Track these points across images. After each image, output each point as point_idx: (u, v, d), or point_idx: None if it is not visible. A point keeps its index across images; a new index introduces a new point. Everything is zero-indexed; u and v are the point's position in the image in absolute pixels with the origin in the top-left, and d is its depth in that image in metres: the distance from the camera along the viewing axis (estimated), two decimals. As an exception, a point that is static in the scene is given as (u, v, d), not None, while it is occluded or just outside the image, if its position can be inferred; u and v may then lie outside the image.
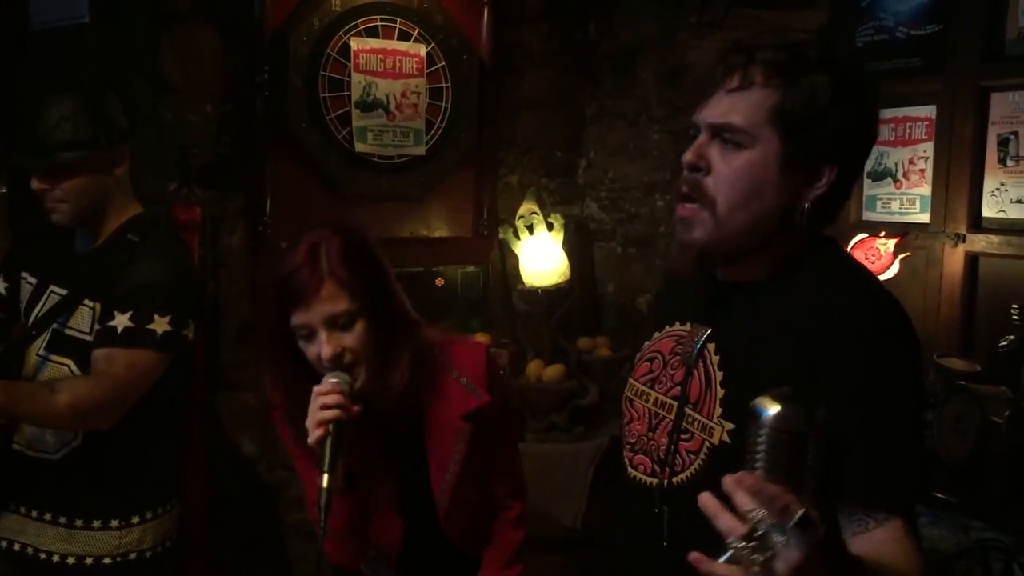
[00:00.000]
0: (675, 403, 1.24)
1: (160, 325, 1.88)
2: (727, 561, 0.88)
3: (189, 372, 2.11)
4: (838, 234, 2.92)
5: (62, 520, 1.94)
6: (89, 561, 1.93)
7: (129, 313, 1.87)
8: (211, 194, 2.85)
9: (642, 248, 3.42)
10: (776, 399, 0.92)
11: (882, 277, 2.70)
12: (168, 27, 2.76)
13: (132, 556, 1.96)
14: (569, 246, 3.27)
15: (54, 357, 1.94)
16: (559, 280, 3.12)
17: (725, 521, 0.88)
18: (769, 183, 1.14)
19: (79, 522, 1.93)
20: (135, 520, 1.97)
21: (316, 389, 1.47)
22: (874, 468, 1.08)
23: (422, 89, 3.07)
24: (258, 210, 2.88)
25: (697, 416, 1.20)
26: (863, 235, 2.79)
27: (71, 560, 1.93)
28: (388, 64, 3.02)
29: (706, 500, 0.91)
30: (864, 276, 1.21)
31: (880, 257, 2.72)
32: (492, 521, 1.79)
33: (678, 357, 1.26)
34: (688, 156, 1.18)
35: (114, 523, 1.95)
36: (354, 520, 1.58)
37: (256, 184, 2.88)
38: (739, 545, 0.86)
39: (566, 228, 3.27)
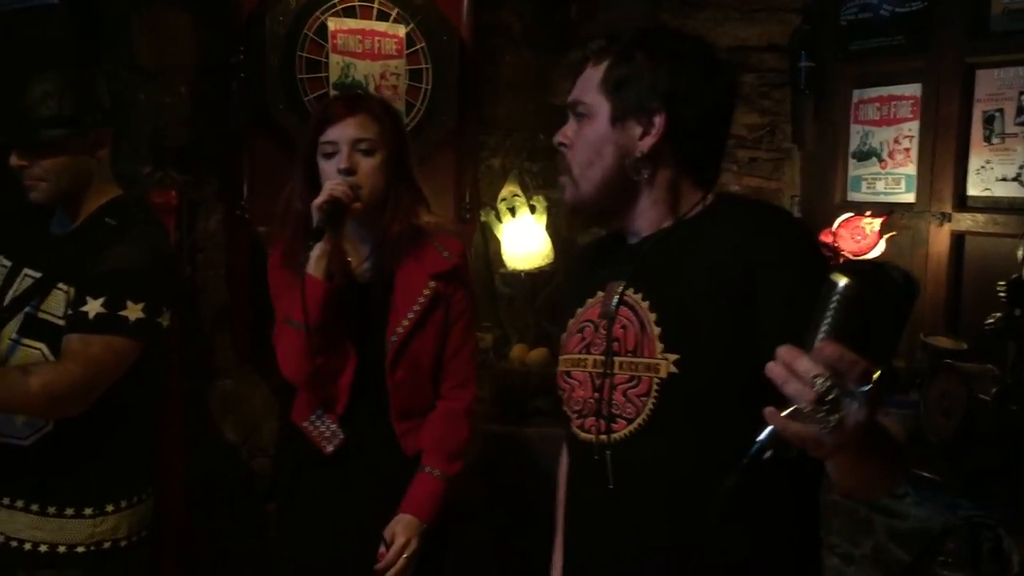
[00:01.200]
0: (613, 358, 1.30)
1: (133, 312, 1.84)
2: (790, 416, 0.94)
3: (163, 359, 2.07)
4: (822, 214, 2.98)
5: (34, 507, 1.89)
6: (62, 549, 1.88)
7: (102, 299, 1.82)
8: (187, 177, 2.81)
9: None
10: (846, 271, 0.97)
11: (867, 256, 2.69)
12: (140, 7, 2.71)
13: (106, 545, 1.92)
14: (554, 230, 3.24)
15: (26, 341, 1.89)
16: (542, 263, 3.10)
17: (793, 386, 0.93)
18: (606, 140, 1.32)
19: (51, 509, 1.89)
20: (109, 508, 1.93)
21: (327, 183, 1.80)
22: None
23: (401, 70, 3.02)
24: (235, 193, 2.83)
25: (639, 359, 1.26)
26: (848, 215, 2.77)
27: (43, 548, 1.88)
28: (366, 45, 2.97)
29: (772, 366, 0.95)
30: (767, 204, 1.45)
31: (865, 237, 2.70)
32: (436, 409, 1.94)
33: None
34: (556, 137, 1.39)
35: (87, 511, 1.90)
36: (324, 307, 1.79)
37: (233, 167, 2.83)
38: (809, 408, 0.92)
39: (550, 212, 3.24)
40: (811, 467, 1.15)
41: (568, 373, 1.39)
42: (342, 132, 1.83)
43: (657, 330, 1.25)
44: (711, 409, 1.22)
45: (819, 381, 0.91)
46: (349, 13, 2.94)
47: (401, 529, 1.85)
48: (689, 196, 1.34)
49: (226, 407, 2.94)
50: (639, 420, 1.25)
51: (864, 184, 2.95)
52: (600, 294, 1.38)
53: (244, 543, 2.91)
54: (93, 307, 1.81)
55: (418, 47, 3.05)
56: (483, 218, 3.22)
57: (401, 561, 1.84)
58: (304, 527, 1.98)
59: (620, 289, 1.32)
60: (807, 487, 1.29)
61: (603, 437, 1.29)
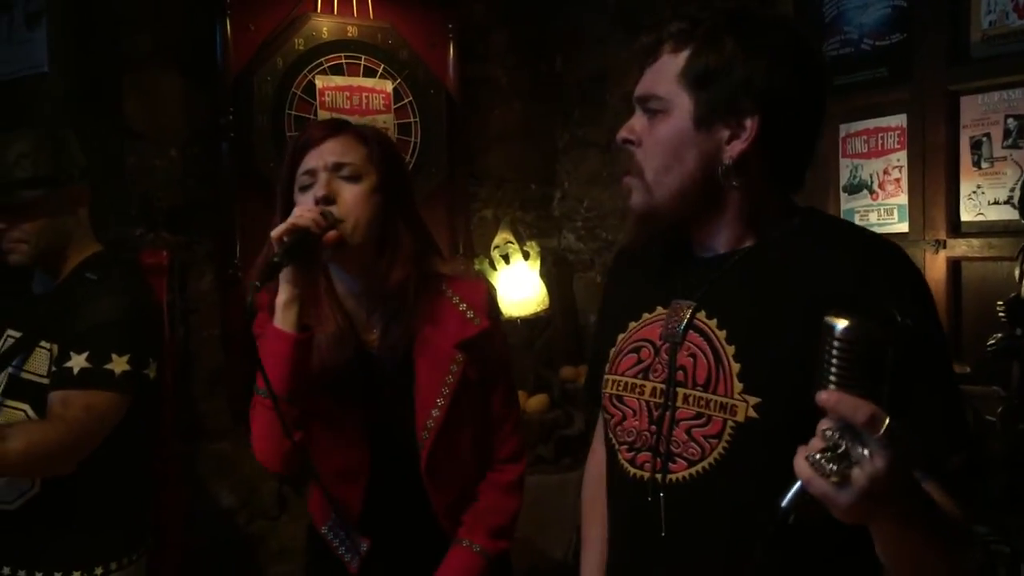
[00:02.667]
0: (676, 388, 1.17)
1: (119, 365, 1.81)
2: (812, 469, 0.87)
3: (156, 414, 2.02)
4: None
5: (21, 574, 1.83)
6: (51, 614, 1.82)
7: (86, 353, 1.79)
8: (179, 238, 2.80)
9: (622, 276, 3.36)
10: (844, 314, 0.90)
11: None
12: (130, 72, 2.73)
13: (97, 608, 1.86)
14: (548, 278, 3.23)
15: (10, 402, 1.85)
16: (538, 309, 3.09)
17: (812, 440, 0.87)
18: (687, 143, 1.15)
19: (39, 575, 1.83)
20: (99, 572, 1.87)
21: (295, 211, 1.42)
22: (928, 419, 1.05)
23: (390, 124, 3.04)
24: (228, 253, 2.82)
25: (712, 397, 1.13)
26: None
27: (32, 614, 1.82)
28: (354, 101, 2.99)
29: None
30: (867, 230, 1.21)
31: (861, 267, 2.67)
32: (485, 479, 1.61)
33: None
34: (621, 133, 1.21)
35: (76, 574, 1.84)
36: (294, 368, 1.40)
37: (225, 227, 2.83)
38: (817, 457, 0.86)
39: (544, 260, 3.24)
40: (856, 536, 1.01)
41: (619, 398, 1.24)
42: (319, 157, 1.48)
43: (736, 366, 1.11)
44: (786, 460, 1.08)
45: (828, 432, 0.86)
46: (336, 71, 2.97)
47: None
48: (773, 211, 1.19)
49: (222, 470, 2.89)
50: (704, 463, 1.12)
51: (857, 216, 2.92)
52: (661, 311, 1.23)
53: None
54: (77, 362, 1.78)
55: (405, 101, 3.08)
56: (477, 266, 3.22)
57: None
58: None
59: (690, 311, 1.18)
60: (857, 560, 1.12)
61: (658, 477, 1.16)
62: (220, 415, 2.87)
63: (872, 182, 2.88)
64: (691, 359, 1.16)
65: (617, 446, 1.23)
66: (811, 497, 0.88)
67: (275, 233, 1.37)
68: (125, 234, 2.69)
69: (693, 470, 1.13)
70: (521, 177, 3.44)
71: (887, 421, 0.84)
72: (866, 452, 0.85)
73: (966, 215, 2.63)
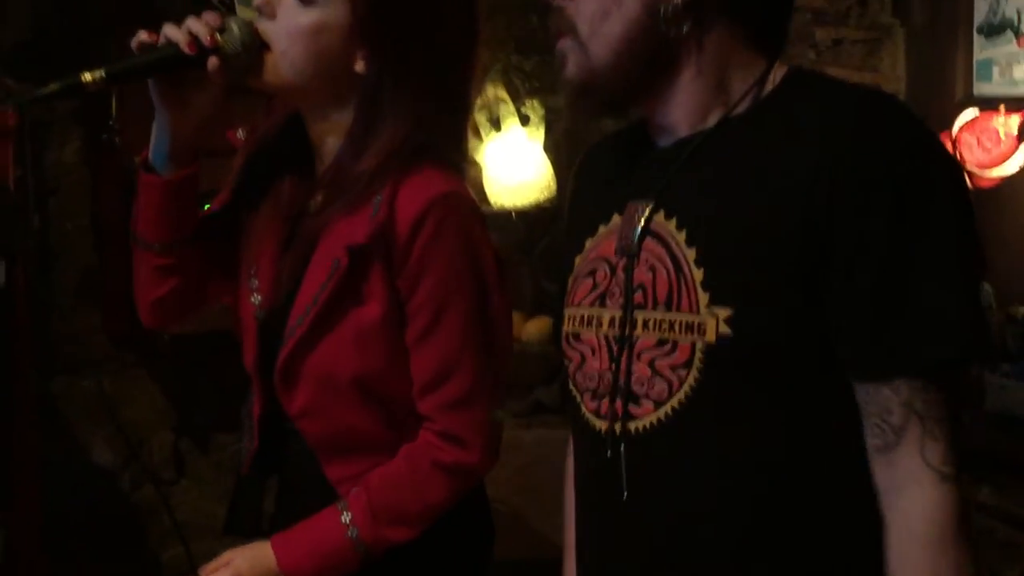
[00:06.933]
0: (635, 312, 1.24)
1: None
2: None
3: (2, 337, 2.06)
4: (937, 113, 2.95)
5: None
6: None
7: None
8: (30, 86, 2.77)
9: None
10: None
11: (1002, 171, 2.67)
12: None
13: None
14: (556, 153, 3.22)
15: None
16: (541, 197, 3.08)
17: None
18: None
19: None
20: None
21: (204, 13, 1.48)
22: (894, 319, 1.11)
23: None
24: (101, 110, 2.81)
25: (676, 316, 1.20)
26: (973, 112, 2.77)
27: None
28: None
29: None
30: (874, 89, 1.27)
31: (999, 143, 2.69)
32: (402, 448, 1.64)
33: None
34: None
35: None
36: (163, 215, 1.58)
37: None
38: None
39: (550, 127, 3.23)
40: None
41: (576, 335, 1.33)
42: None
43: (699, 273, 1.19)
44: (774, 389, 1.17)
45: None
46: None
47: (244, 561, 1.61)
48: (746, 71, 1.26)
49: (96, 415, 2.93)
50: (672, 403, 1.20)
51: (996, 70, 2.92)
52: (617, 219, 1.31)
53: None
54: None
55: None
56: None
57: None
58: None
59: (646, 213, 1.26)
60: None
61: (617, 426, 1.24)
62: (92, 338, 2.90)
63: (1020, 21, 2.87)
64: (651, 273, 1.23)
65: (579, 397, 1.32)
66: None
67: (134, 40, 1.45)
68: (-48, 79, 2.67)
69: (660, 413, 1.20)
70: (519, 4, 3.37)
71: None
72: None
73: None
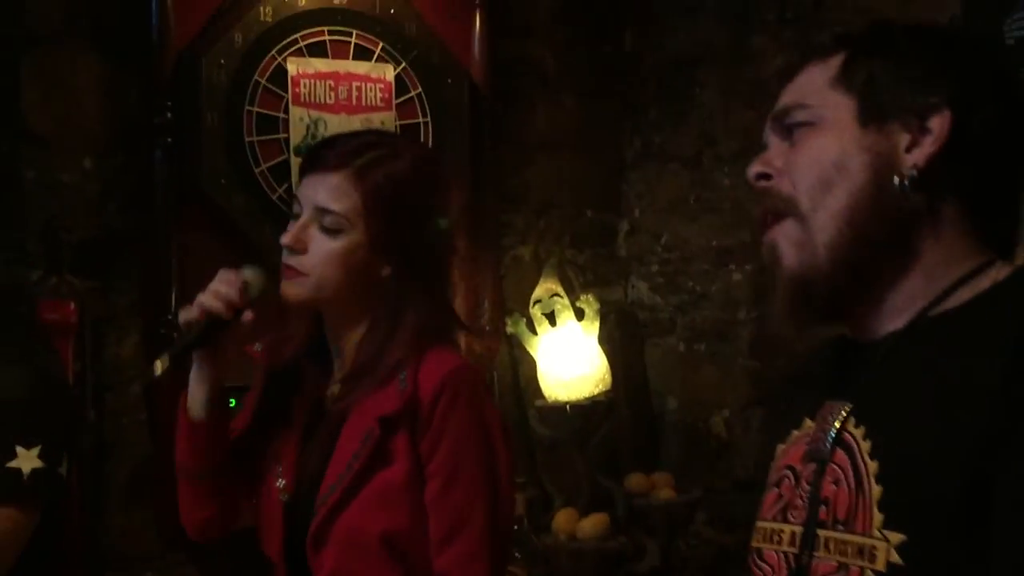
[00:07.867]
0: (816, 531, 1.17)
1: (27, 461, 1.84)
2: None
3: (61, 532, 2.07)
4: None
5: None
6: None
7: None
8: (92, 284, 2.82)
9: (714, 343, 3.36)
10: None
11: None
12: (32, 52, 2.77)
13: None
14: (610, 343, 3.22)
15: None
16: (596, 391, 3.06)
17: None
18: (851, 151, 1.18)
19: None
20: None
21: (220, 273, 1.78)
22: None
23: (390, 126, 3.07)
24: (160, 305, 2.83)
25: (851, 538, 1.12)
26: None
27: None
28: (341, 94, 3.02)
29: None
30: None
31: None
32: None
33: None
34: (754, 168, 1.25)
35: None
36: (201, 450, 1.85)
37: (157, 269, 2.84)
38: None
39: (605, 320, 3.23)
40: None
41: (759, 553, 1.27)
42: (307, 191, 1.83)
43: (877, 490, 1.10)
44: None
45: None
46: (316, 51, 3.00)
47: None
48: (962, 264, 1.18)
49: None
50: None
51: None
52: (809, 424, 1.25)
53: None
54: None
55: (412, 94, 3.10)
56: (510, 329, 3.21)
57: None
58: None
59: (841, 417, 1.18)
60: None
61: None
62: (143, 536, 2.87)
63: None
64: (834, 486, 1.16)
65: None
66: None
67: (183, 317, 1.76)
68: (18, 277, 2.71)
69: None
70: (573, 201, 3.45)
71: None
72: None
73: None
